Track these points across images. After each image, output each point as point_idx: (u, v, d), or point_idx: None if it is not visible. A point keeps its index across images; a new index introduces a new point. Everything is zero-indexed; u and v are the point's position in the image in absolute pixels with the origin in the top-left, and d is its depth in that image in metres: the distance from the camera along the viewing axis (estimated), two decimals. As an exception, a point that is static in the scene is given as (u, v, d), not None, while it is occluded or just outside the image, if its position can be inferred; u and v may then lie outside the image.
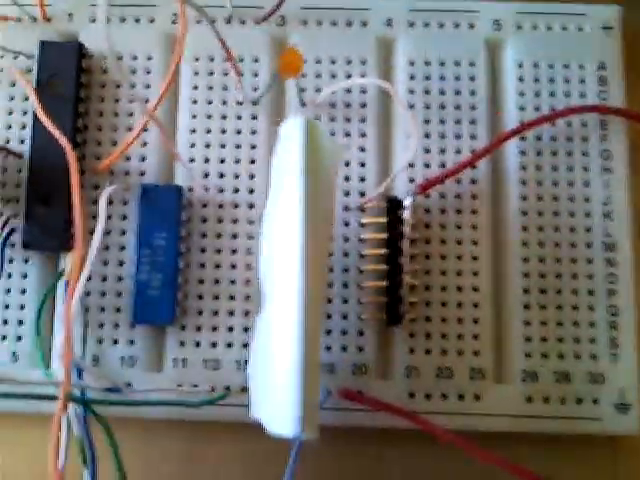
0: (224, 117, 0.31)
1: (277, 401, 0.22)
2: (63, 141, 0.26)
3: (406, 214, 0.29)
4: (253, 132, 0.31)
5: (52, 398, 0.24)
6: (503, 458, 0.25)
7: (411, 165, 0.30)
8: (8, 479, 0.30)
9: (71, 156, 0.26)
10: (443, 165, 0.31)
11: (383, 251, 0.29)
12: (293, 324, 0.22)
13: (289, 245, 0.23)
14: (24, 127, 0.31)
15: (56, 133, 0.27)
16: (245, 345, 0.29)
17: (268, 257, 0.26)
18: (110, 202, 0.28)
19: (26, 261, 0.30)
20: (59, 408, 0.23)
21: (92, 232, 0.27)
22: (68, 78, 0.30)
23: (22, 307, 0.30)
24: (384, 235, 0.30)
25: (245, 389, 0.29)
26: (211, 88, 0.31)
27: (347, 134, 0.31)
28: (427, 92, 0.31)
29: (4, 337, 0.30)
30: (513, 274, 0.30)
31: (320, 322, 0.27)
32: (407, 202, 0.29)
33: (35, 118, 0.30)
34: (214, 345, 0.30)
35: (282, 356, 0.22)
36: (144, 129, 0.29)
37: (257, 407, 0.25)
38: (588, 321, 0.30)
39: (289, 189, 0.23)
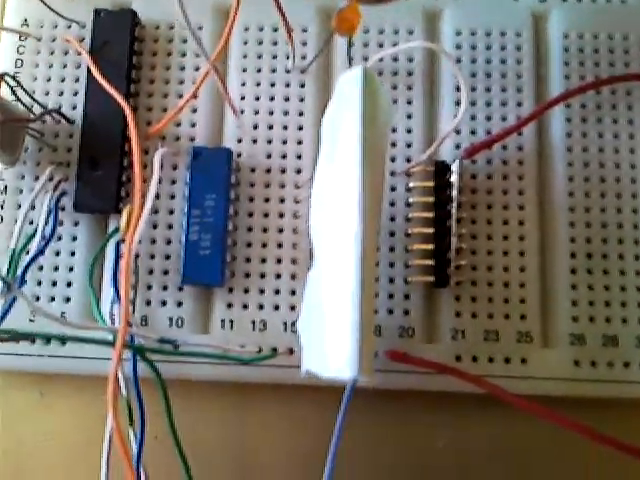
0: (273, 85, 0.32)
1: (333, 346, 0.22)
2: (122, 102, 0.27)
3: (454, 178, 0.30)
4: (301, 99, 0.31)
5: (108, 343, 0.25)
6: (580, 422, 0.25)
7: (457, 132, 0.31)
8: (57, 439, 0.31)
9: (130, 116, 0.26)
10: (489, 132, 0.31)
11: (430, 214, 0.30)
12: (352, 264, 0.22)
13: (348, 190, 0.23)
14: (76, 94, 0.32)
15: (115, 95, 0.27)
16: (292, 307, 0.30)
17: (321, 211, 0.26)
18: (160, 166, 0.28)
19: (76, 224, 0.31)
20: (117, 353, 0.22)
21: (143, 195, 0.27)
22: (121, 46, 0.31)
23: (71, 269, 0.30)
24: (431, 198, 0.30)
25: (292, 351, 0.29)
26: (260, 57, 0.32)
27: (394, 101, 0.31)
28: (473, 61, 0.32)
29: (53, 298, 0.30)
30: (560, 239, 0.30)
31: (374, 271, 0.27)
32: (454, 166, 0.30)
33: (88, 84, 0.31)
34: (261, 307, 0.30)
35: (340, 300, 0.22)
36: (194, 95, 0.29)
37: (309, 359, 0.25)
38: (635, 285, 0.30)
39: (347, 134, 0.24)
